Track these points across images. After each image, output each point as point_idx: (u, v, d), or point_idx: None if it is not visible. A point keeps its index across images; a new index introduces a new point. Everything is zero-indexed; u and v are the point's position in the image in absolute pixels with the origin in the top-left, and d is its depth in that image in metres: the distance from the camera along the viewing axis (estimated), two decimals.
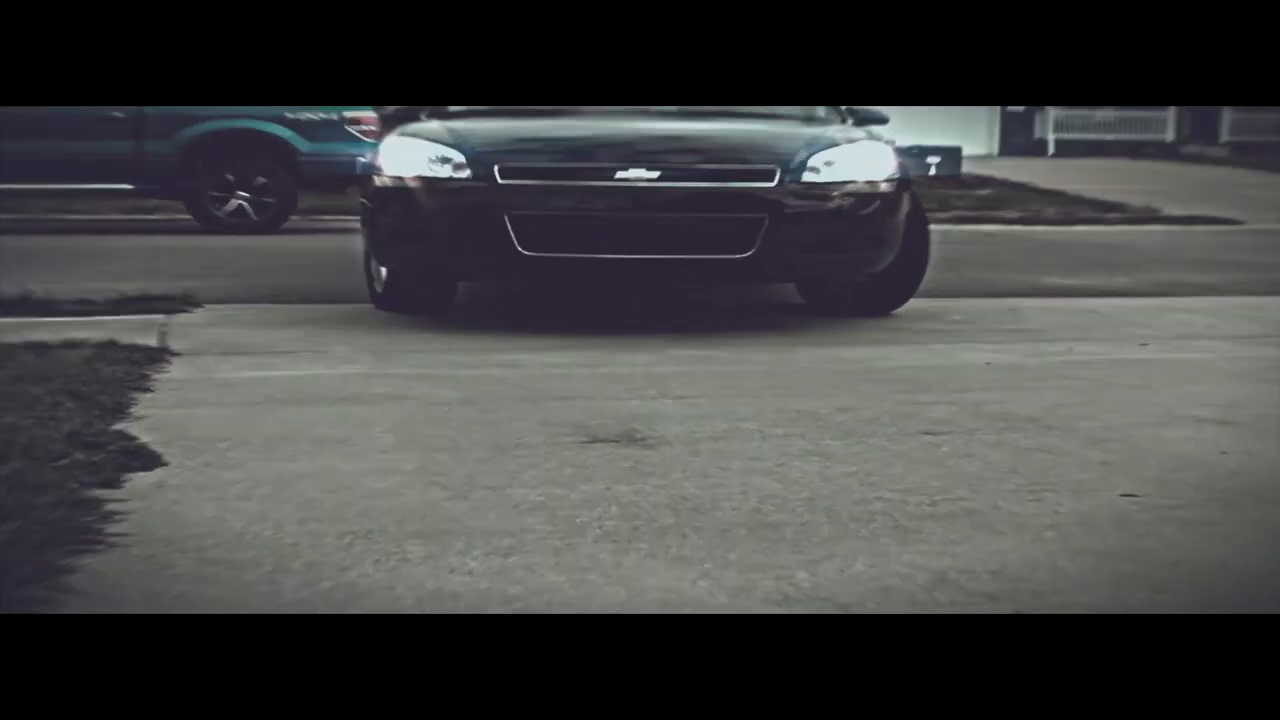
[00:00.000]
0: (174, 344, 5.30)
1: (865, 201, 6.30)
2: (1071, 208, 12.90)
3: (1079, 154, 20.15)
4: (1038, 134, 21.24)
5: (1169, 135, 21.14)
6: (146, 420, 3.80)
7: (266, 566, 2.47)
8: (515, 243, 5.98)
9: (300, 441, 3.59)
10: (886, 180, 6.36)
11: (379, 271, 6.73)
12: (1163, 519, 2.93)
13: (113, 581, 2.37)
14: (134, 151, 11.05)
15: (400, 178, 6.34)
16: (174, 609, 2.25)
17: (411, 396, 4.30)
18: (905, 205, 6.39)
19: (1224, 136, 20.89)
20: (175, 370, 4.74)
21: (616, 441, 3.63)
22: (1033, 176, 15.22)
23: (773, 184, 6.18)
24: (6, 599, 2.21)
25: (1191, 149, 20.52)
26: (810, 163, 6.27)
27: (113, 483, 3.05)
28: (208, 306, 6.54)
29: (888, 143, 6.67)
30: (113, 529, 2.69)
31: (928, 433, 3.77)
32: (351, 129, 11.00)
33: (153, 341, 5.28)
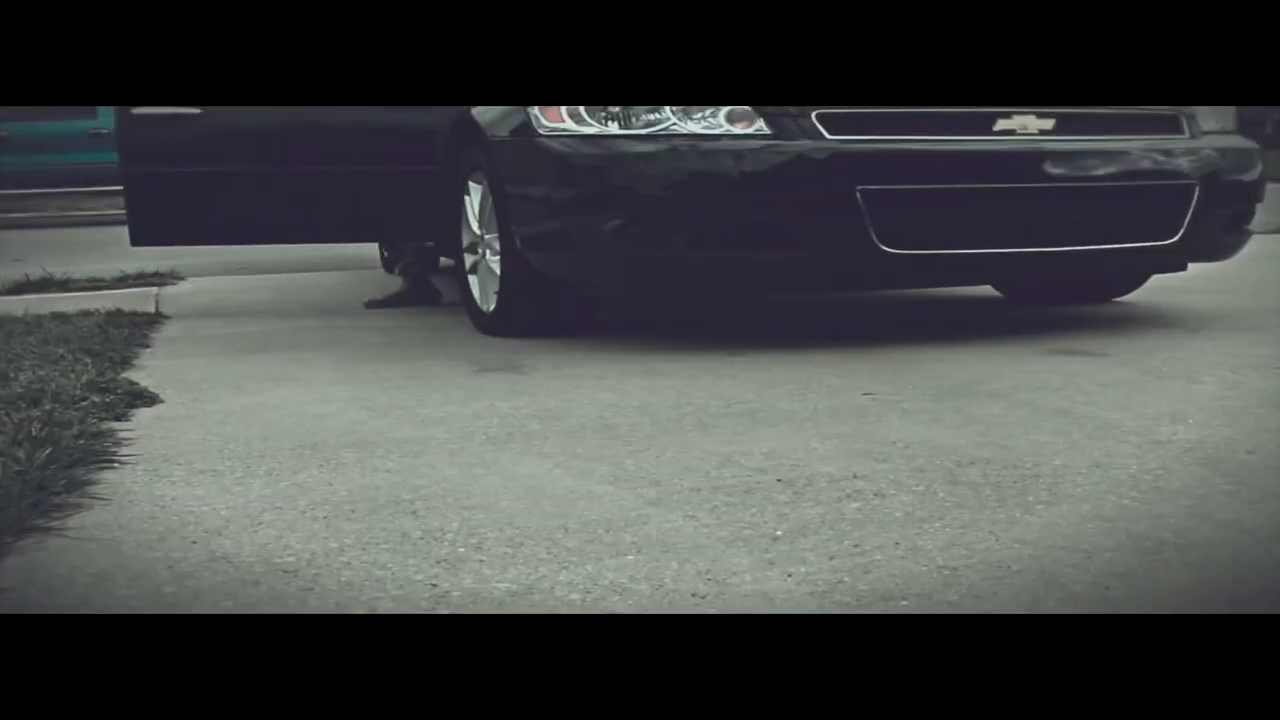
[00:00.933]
0: (166, 310, 5.33)
1: (1248, 160, 3.87)
2: None
3: None
4: None
5: None
6: (147, 369, 3.84)
7: (239, 473, 2.56)
8: (873, 234, 3.40)
9: (262, 380, 3.66)
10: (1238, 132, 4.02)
11: (489, 279, 4.22)
12: (889, 409, 3.06)
13: (126, 488, 2.44)
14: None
15: (603, 138, 3.52)
16: (171, 509, 2.31)
17: (347, 342, 4.36)
18: None
19: None
20: (168, 330, 4.77)
21: (500, 370, 3.73)
22: None
23: (1188, 138, 3.76)
24: (45, 506, 2.27)
25: None
26: (1198, 110, 3.84)
27: (122, 417, 3.11)
28: (191, 279, 6.53)
29: None
30: (124, 451, 2.75)
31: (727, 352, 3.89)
32: None
33: (150, 308, 5.30)
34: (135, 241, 4.81)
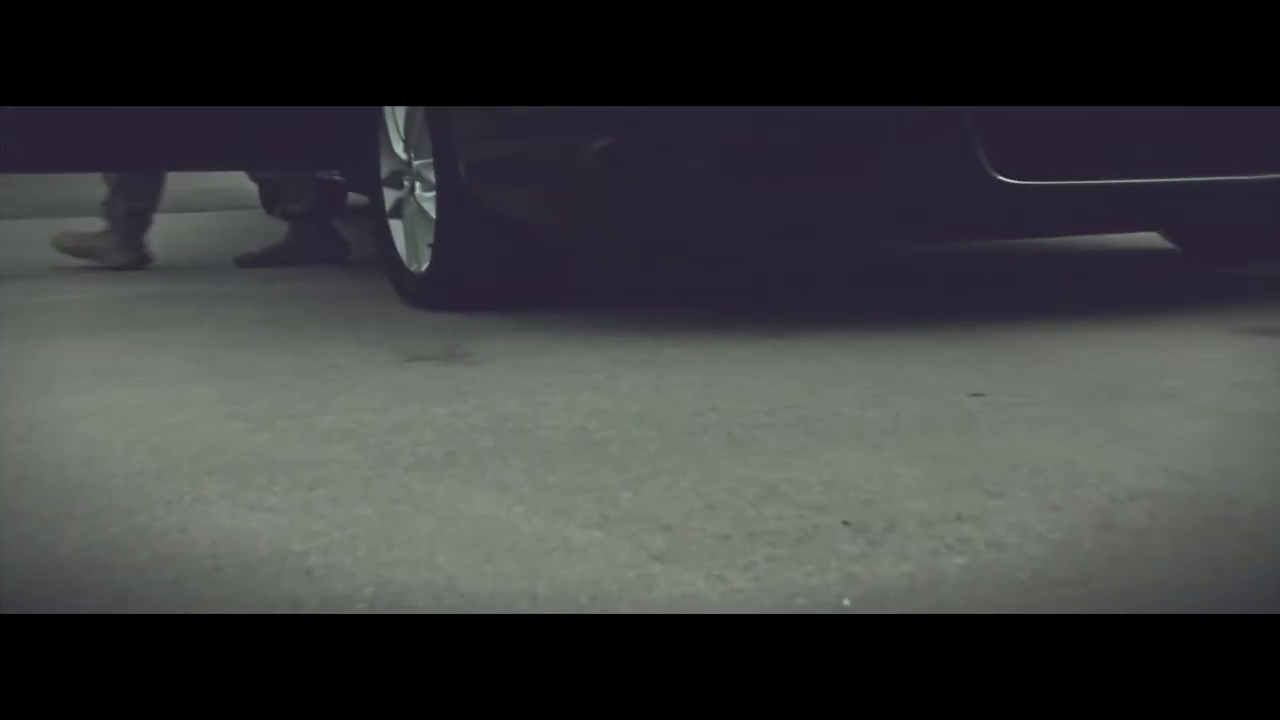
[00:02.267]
0: None
1: None
2: None
3: None
4: None
5: None
6: None
7: (47, 513, 2.52)
8: (985, 158, 3.42)
9: (84, 374, 3.63)
10: None
11: (419, 225, 4.34)
12: (1009, 418, 3.07)
13: None
14: None
15: None
16: None
17: (211, 319, 4.35)
18: None
19: None
20: None
21: (437, 360, 3.71)
22: None
23: None
24: None
25: None
26: None
27: None
28: None
29: None
30: None
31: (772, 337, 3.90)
32: None
33: None
34: None
